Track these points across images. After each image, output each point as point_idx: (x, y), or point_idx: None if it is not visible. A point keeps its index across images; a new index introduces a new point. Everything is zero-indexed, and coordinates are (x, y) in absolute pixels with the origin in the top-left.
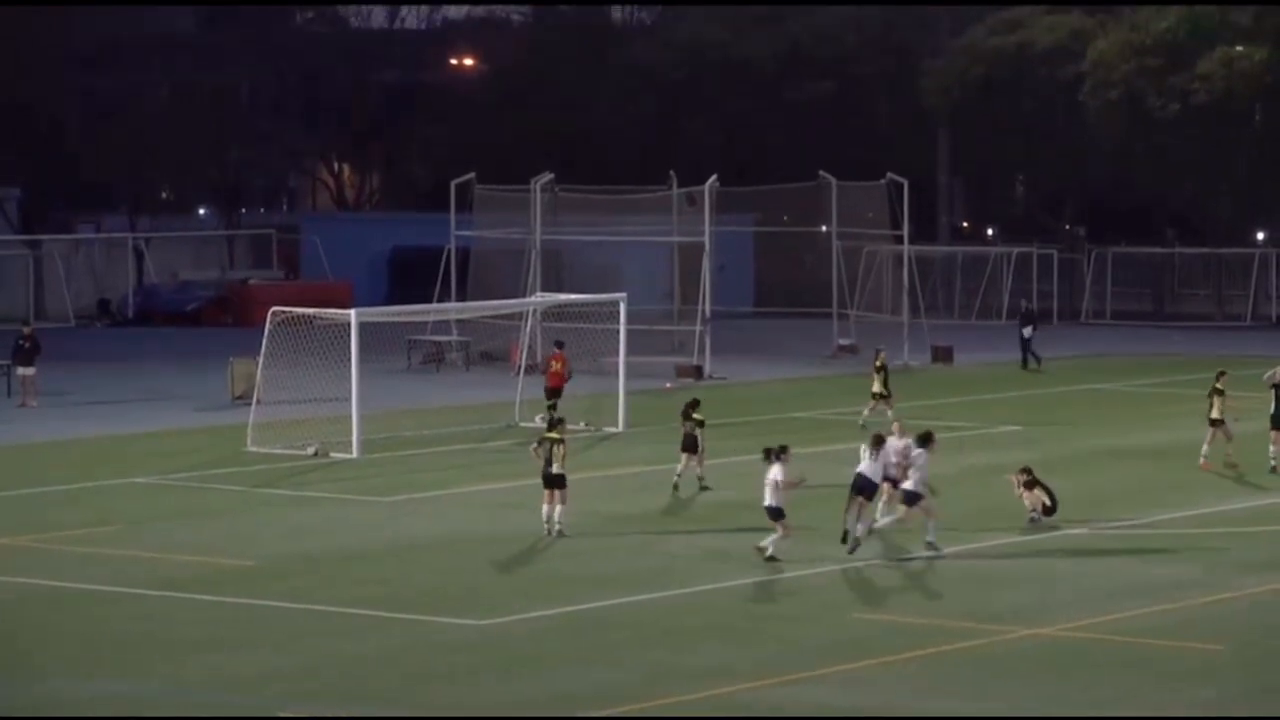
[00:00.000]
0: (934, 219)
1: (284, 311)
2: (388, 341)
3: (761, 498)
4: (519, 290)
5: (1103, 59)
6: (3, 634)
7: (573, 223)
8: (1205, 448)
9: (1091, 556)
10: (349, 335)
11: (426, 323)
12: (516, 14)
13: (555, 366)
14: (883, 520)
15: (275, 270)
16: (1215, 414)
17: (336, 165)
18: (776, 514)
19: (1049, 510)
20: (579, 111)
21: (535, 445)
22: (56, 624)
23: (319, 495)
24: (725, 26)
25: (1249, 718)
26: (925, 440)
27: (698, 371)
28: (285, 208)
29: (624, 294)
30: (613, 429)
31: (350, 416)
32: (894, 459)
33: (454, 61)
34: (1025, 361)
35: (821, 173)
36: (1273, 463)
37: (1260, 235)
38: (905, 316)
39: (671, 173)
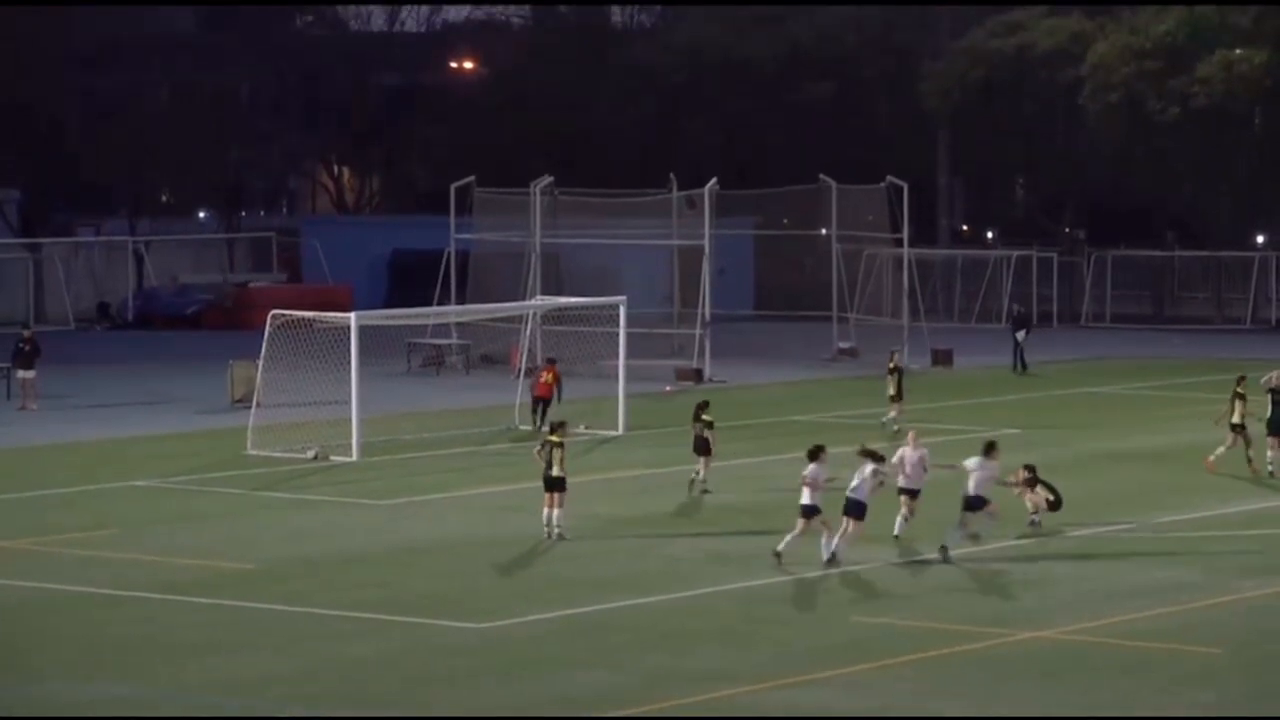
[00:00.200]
0: (934, 222)
1: (284, 315)
2: (387, 345)
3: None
4: (519, 293)
5: (1102, 62)
6: (2, 636)
7: (572, 226)
8: (1221, 450)
9: (1091, 560)
10: (349, 338)
11: (426, 326)
12: (516, 17)
13: (545, 378)
14: (970, 531)
15: (276, 273)
16: (1236, 418)
17: (336, 168)
18: (811, 512)
19: (1054, 506)
20: (579, 112)
21: (538, 448)
22: (56, 627)
23: (319, 498)
24: (725, 27)
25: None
26: (989, 449)
27: (697, 375)
28: (285, 211)
29: (624, 297)
30: (612, 432)
31: (350, 420)
32: (908, 470)
33: (454, 64)
34: (1015, 365)
35: (821, 176)
36: (1270, 468)
37: (1260, 238)
38: (905, 320)
39: (671, 176)
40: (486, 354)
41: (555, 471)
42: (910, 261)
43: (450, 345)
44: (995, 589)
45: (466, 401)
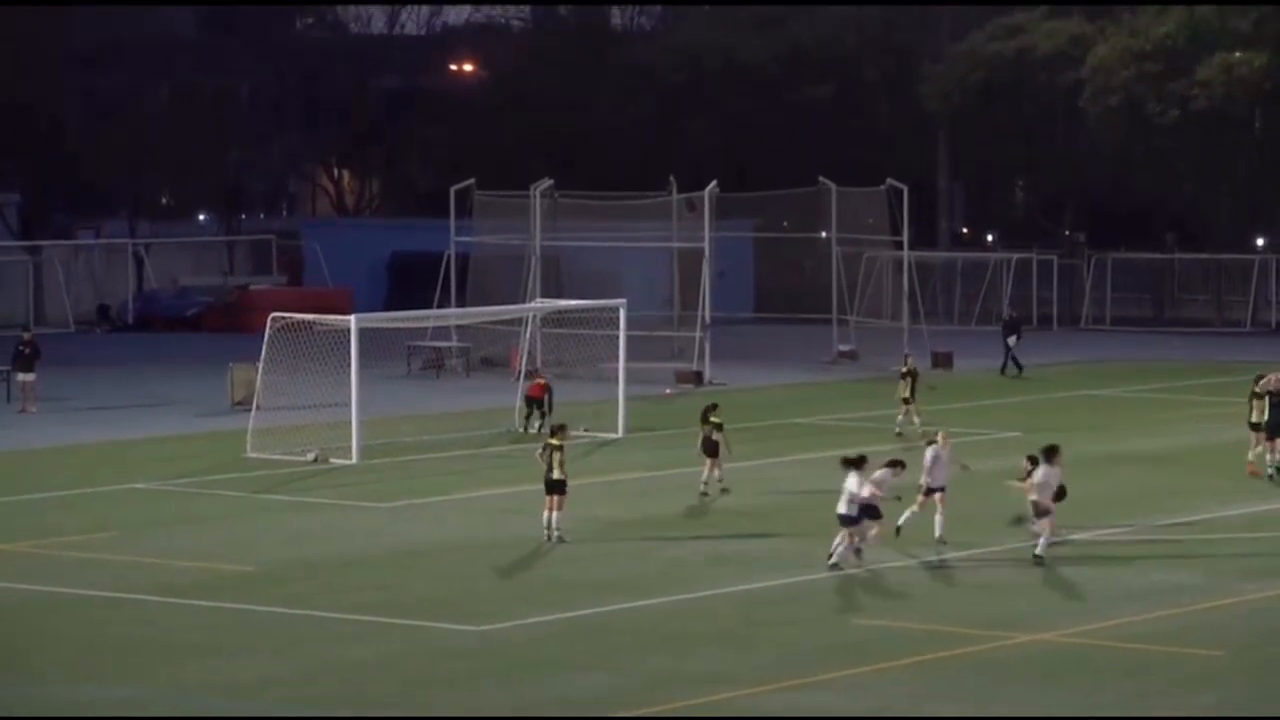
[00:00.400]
0: (934, 224)
1: (284, 317)
2: (387, 347)
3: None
4: (519, 296)
5: (1102, 65)
6: (2, 638)
7: (572, 228)
8: (1251, 453)
9: (1091, 562)
10: (349, 341)
11: (426, 328)
12: (516, 19)
13: (539, 382)
14: (1043, 539)
15: (277, 276)
16: (1255, 418)
17: (336, 171)
18: (849, 521)
19: (1055, 497)
20: (579, 114)
21: (540, 451)
22: (56, 628)
23: (318, 501)
24: (725, 26)
25: None
26: (1050, 454)
27: (697, 377)
28: (285, 213)
29: (624, 300)
30: (613, 435)
31: (350, 422)
32: (936, 467)
33: (453, 67)
34: (1005, 368)
35: (821, 178)
36: (1270, 470)
37: (1260, 241)
38: (905, 322)
39: (671, 178)
40: (487, 357)
41: (556, 474)
42: (910, 264)
43: (450, 348)
44: (995, 592)
45: (466, 404)
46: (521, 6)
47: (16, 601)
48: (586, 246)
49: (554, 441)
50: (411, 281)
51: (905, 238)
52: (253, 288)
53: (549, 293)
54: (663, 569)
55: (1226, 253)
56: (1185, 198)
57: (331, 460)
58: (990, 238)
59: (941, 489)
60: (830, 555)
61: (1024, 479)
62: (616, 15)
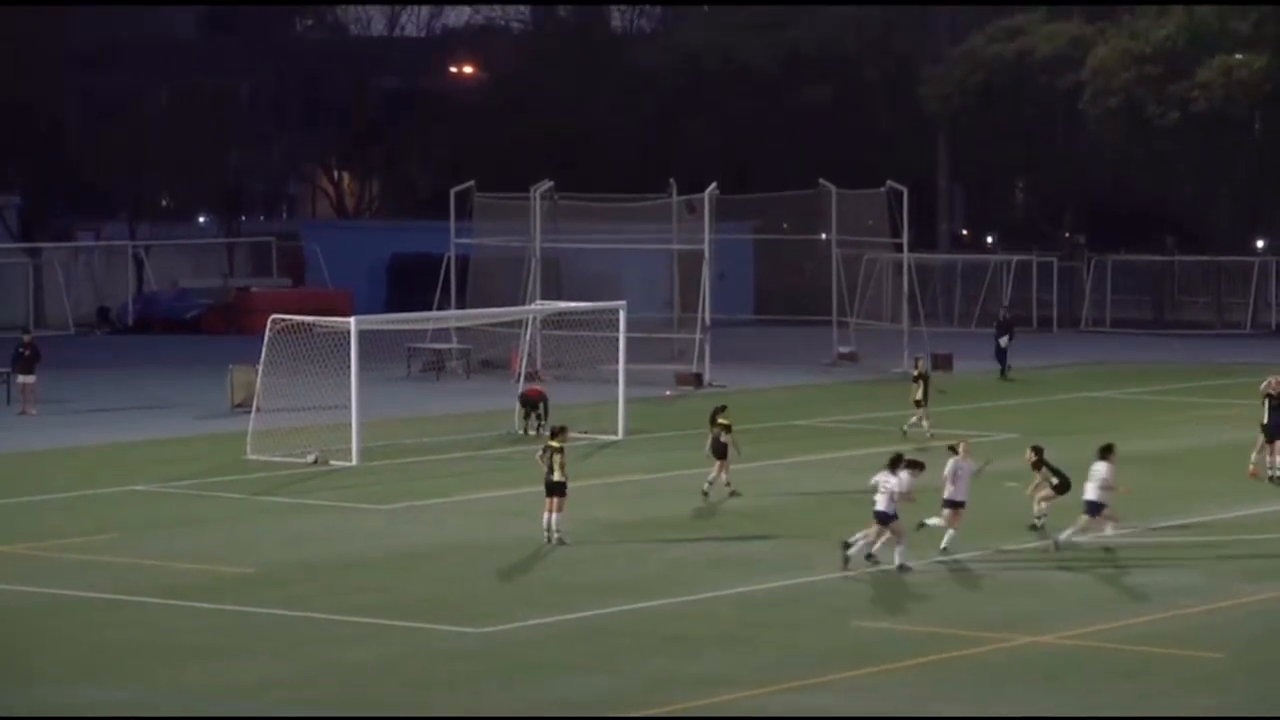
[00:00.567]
0: (934, 226)
1: (284, 319)
2: (387, 349)
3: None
4: (519, 298)
5: (1102, 67)
6: (3, 640)
7: (572, 230)
8: (1254, 454)
9: (1091, 564)
10: (349, 343)
11: (426, 331)
12: (515, 21)
13: (536, 387)
14: (1110, 529)
15: (279, 278)
16: (1267, 419)
17: (336, 173)
18: (885, 519)
19: (1059, 490)
20: (579, 114)
21: (540, 453)
22: (55, 630)
23: (319, 503)
24: (725, 28)
25: None
26: (1106, 452)
27: (697, 379)
28: (285, 215)
29: (623, 302)
30: (612, 437)
31: (350, 424)
32: (956, 481)
33: (453, 69)
34: (1003, 371)
35: (821, 180)
36: (1271, 473)
37: (1260, 243)
38: (905, 324)
39: (671, 180)
40: (487, 359)
41: (556, 476)
42: (910, 266)
43: (450, 350)
44: (996, 594)
45: (466, 406)
46: (521, 8)
47: (17, 604)
48: (586, 248)
49: (554, 444)
50: (411, 283)
51: (905, 239)
52: (255, 289)
53: (549, 295)
54: (663, 571)
55: (1226, 255)
56: (1185, 199)
57: (331, 462)
58: (990, 240)
59: (962, 504)
60: (848, 545)
61: (1035, 471)
62: (616, 17)
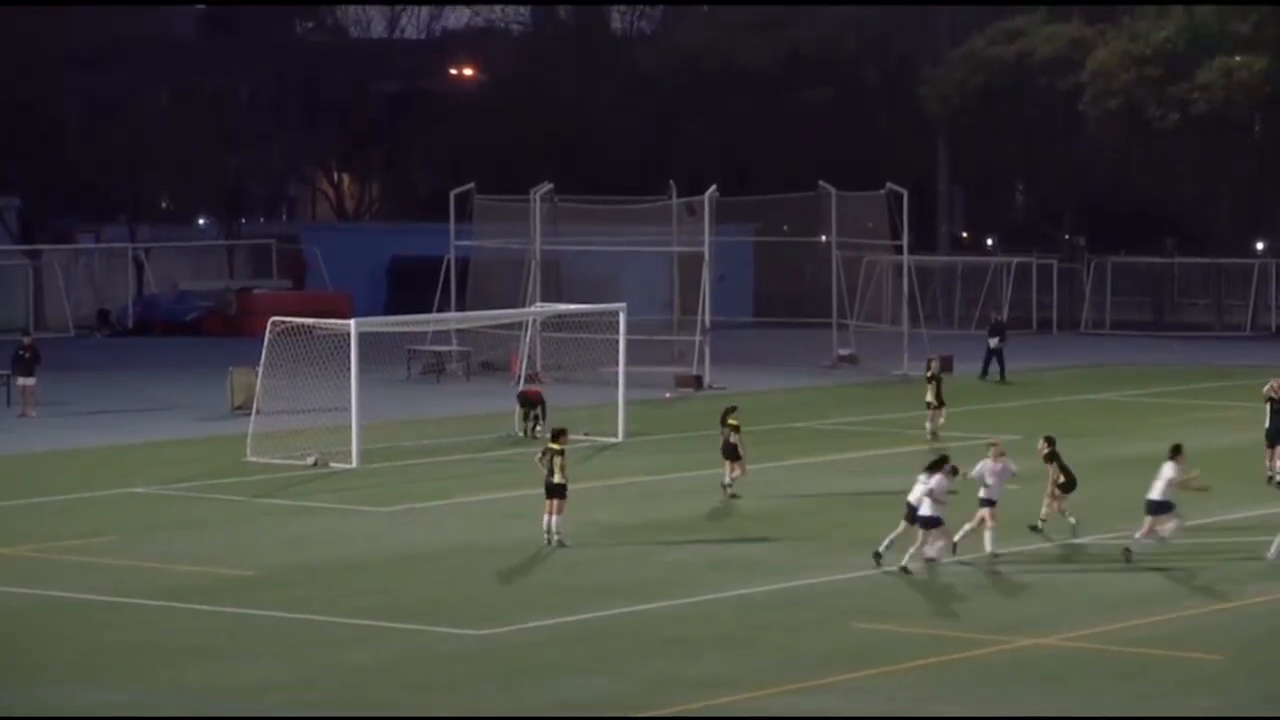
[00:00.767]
0: (934, 228)
1: (284, 321)
2: (387, 351)
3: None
4: (518, 300)
5: (1102, 69)
6: (3, 641)
7: (572, 232)
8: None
9: (1092, 566)
10: (349, 345)
11: (426, 333)
12: (515, 23)
13: (535, 388)
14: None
15: (280, 280)
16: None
17: (336, 175)
18: (931, 523)
19: (1065, 487)
20: (579, 116)
21: (540, 455)
22: (55, 632)
23: (318, 505)
24: (725, 28)
25: None
26: (1175, 453)
27: (697, 381)
28: (285, 218)
29: (623, 304)
30: (612, 439)
31: (350, 426)
32: (990, 480)
33: (453, 71)
34: (1003, 372)
35: (821, 183)
36: (1271, 475)
37: (1260, 245)
38: (905, 326)
39: (671, 182)
40: (487, 361)
41: (556, 478)
42: (910, 268)
43: (450, 352)
44: (997, 595)
45: (467, 408)
46: (521, 9)
47: (16, 606)
48: (586, 250)
49: (554, 446)
50: (411, 285)
51: (905, 242)
52: (257, 291)
53: (549, 297)
54: (663, 573)
55: (1226, 256)
56: (1185, 201)
57: (331, 464)
58: (990, 241)
59: (993, 503)
60: (880, 548)
61: (1047, 465)
62: (616, 18)
